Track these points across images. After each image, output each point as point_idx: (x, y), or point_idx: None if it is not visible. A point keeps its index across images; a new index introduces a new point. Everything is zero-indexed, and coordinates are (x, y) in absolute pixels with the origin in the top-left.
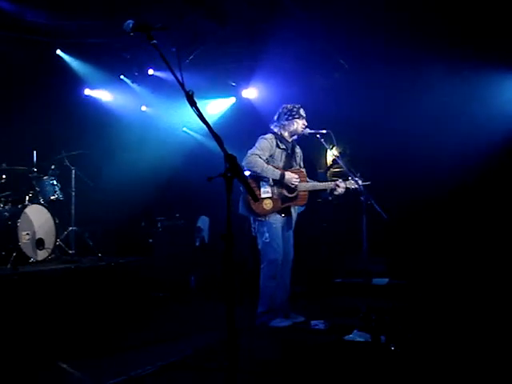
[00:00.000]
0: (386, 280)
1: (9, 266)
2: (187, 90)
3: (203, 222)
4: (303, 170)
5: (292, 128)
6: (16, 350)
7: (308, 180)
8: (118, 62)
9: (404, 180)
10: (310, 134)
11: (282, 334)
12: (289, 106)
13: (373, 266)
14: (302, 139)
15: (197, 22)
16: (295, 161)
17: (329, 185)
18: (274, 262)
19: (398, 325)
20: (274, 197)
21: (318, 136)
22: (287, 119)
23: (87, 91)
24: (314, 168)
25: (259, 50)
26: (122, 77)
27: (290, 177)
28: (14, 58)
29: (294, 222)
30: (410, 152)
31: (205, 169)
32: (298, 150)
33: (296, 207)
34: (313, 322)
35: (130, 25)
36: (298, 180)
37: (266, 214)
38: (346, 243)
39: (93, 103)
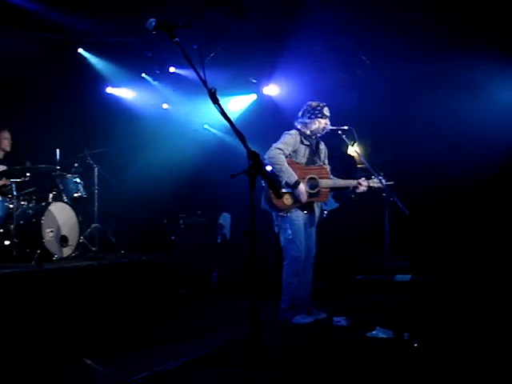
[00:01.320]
0: (409, 276)
1: (33, 263)
2: (210, 87)
3: (225, 218)
4: (326, 166)
5: (314, 127)
6: (41, 346)
7: (331, 177)
8: (139, 60)
9: (427, 176)
10: (331, 130)
11: (304, 331)
12: (313, 103)
13: (395, 263)
14: (322, 136)
15: (218, 19)
16: (319, 157)
17: (351, 183)
18: (297, 258)
19: (421, 321)
20: (295, 192)
21: (339, 132)
22: (310, 117)
23: (109, 89)
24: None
25: (280, 46)
26: (143, 75)
27: (302, 191)
28: (37, 57)
29: (316, 218)
30: (432, 148)
31: (226, 166)
32: (322, 146)
33: (320, 204)
34: (335, 319)
35: (153, 23)
36: (306, 197)
37: (287, 208)
38: (368, 240)
39: (115, 101)
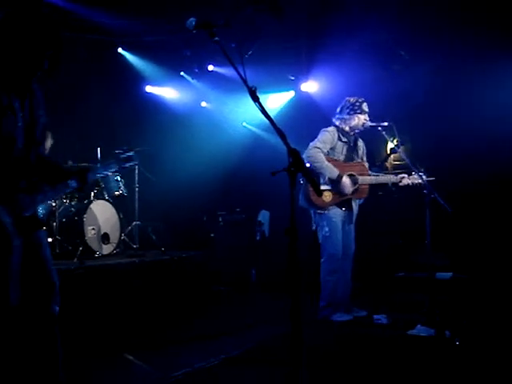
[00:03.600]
0: (450, 274)
1: (75, 260)
2: (250, 85)
3: (264, 216)
4: (365, 163)
5: (353, 123)
6: (83, 342)
7: (370, 173)
8: (178, 58)
9: (469, 173)
10: (371, 126)
11: (344, 328)
12: (352, 99)
13: (436, 260)
14: (363, 132)
15: (255, 17)
16: (357, 154)
17: (391, 178)
18: (334, 256)
19: (463, 320)
20: (334, 189)
21: (379, 129)
22: (348, 113)
23: (148, 88)
24: (374, 160)
25: (317, 43)
26: (182, 73)
27: (346, 183)
28: (78, 57)
29: (355, 215)
30: (474, 145)
31: (265, 163)
32: (360, 143)
33: (357, 200)
34: (375, 317)
35: (193, 22)
36: (352, 190)
37: (326, 206)
38: (409, 237)
39: (154, 100)
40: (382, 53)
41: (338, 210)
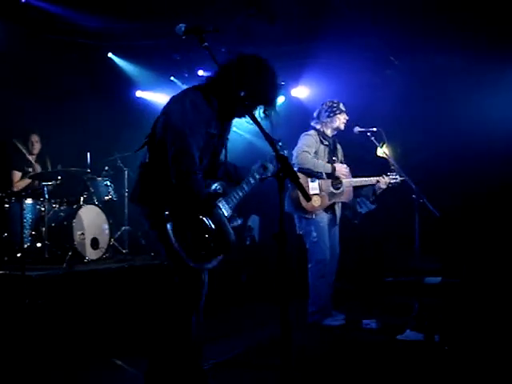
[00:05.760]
0: (439, 279)
1: (64, 265)
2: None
3: (254, 221)
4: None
5: (335, 124)
6: (72, 347)
7: (351, 176)
8: (168, 63)
9: (457, 178)
10: (360, 132)
11: (333, 333)
12: (328, 102)
13: (425, 265)
14: (351, 137)
15: (246, 22)
16: (337, 157)
17: (372, 180)
18: (322, 261)
19: (452, 324)
20: (322, 193)
21: (368, 134)
22: (329, 116)
23: (138, 93)
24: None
25: (307, 47)
26: (172, 78)
27: (340, 167)
28: (67, 61)
29: (338, 218)
30: (462, 150)
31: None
32: (338, 146)
33: (340, 204)
34: (365, 322)
35: (182, 28)
36: (348, 169)
37: (315, 210)
38: (397, 241)
39: (144, 105)
40: (374, 58)
41: (324, 214)
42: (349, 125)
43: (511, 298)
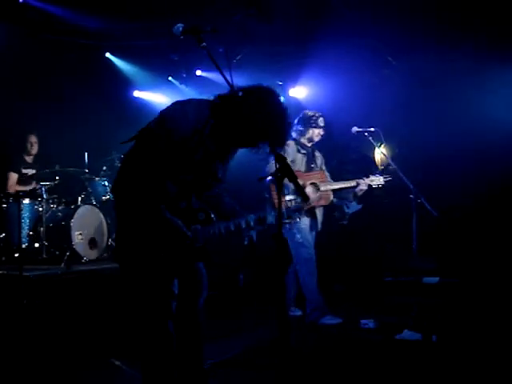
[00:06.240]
0: (437, 279)
1: (62, 265)
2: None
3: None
4: (325, 172)
5: (307, 135)
6: (71, 347)
7: (330, 181)
8: (165, 63)
9: (455, 177)
10: (358, 132)
11: (332, 333)
12: (309, 112)
13: (423, 265)
14: (350, 138)
15: (244, 22)
16: (316, 164)
17: (350, 183)
18: (310, 259)
19: (450, 324)
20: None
21: (366, 134)
22: (304, 125)
23: (136, 93)
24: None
25: (306, 47)
26: (170, 78)
27: (310, 192)
28: (65, 61)
29: (319, 222)
30: (461, 150)
31: (252, 168)
32: (317, 154)
33: (321, 209)
34: (363, 321)
35: (180, 28)
36: (315, 197)
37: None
38: (396, 241)
39: (142, 105)
40: (371, 57)
41: (305, 217)
42: (347, 125)
43: (509, 298)
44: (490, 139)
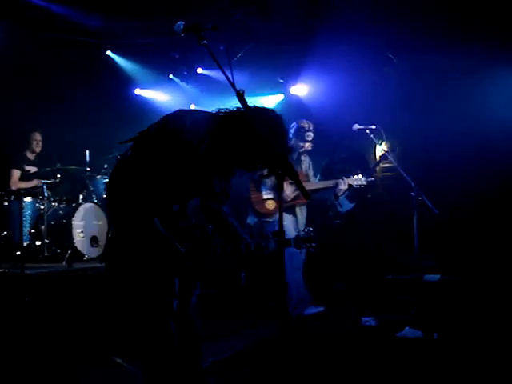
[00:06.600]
0: (438, 276)
1: (64, 263)
2: (237, 88)
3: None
4: (308, 173)
5: (291, 143)
6: (72, 345)
7: (312, 181)
8: (166, 61)
9: (456, 176)
10: (359, 129)
11: (332, 331)
12: (301, 123)
13: (424, 262)
14: (351, 135)
15: (245, 20)
16: (301, 168)
17: (329, 183)
18: (293, 254)
19: (451, 321)
20: (276, 197)
21: (367, 132)
22: (295, 138)
23: (137, 91)
24: (365, 163)
25: (307, 46)
26: (171, 76)
27: (287, 190)
28: (66, 59)
29: (300, 222)
30: (461, 148)
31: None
32: (303, 157)
33: (303, 208)
34: (364, 319)
35: (181, 26)
36: (292, 196)
37: (271, 213)
38: (396, 239)
39: (143, 102)
40: (372, 55)
41: (286, 215)
42: (348, 123)
43: (509, 296)
44: (490, 137)
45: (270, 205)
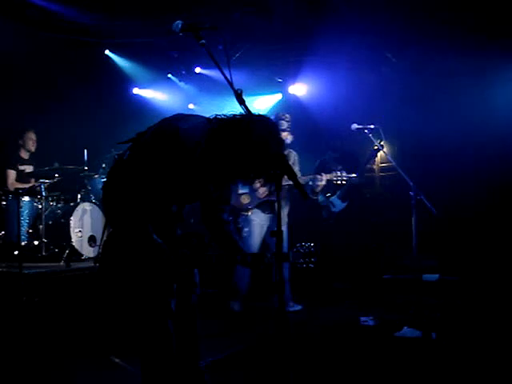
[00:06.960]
0: (437, 276)
1: (62, 262)
2: (235, 88)
3: None
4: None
5: None
6: (70, 344)
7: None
8: (165, 60)
9: (455, 175)
10: (357, 129)
11: (331, 330)
12: (279, 114)
13: (423, 262)
14: (350, 134)
15: (244, 19)
16: None
17: (306, 178)
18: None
19: (450, 321)
20: (251, 192)
21: (366, 131)
22: None
23: (136, 90)
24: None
25: (305, 45)
26: (169, 75)
27: (259, 188)
28: (65, 58)
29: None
30: (462, 146)
31: None
32: (287, 152)
33: (283, 205)
34: (362, 318)
35: (179, 25)
36: (264, 193)
37: (245, 207)
38: (395, 239)
39: (141, 102)
40: (371, 55)
41: (261, 214)
42: (346, 122)
43: (509, 296)
44: (490, 136)
45: (245, 199)
